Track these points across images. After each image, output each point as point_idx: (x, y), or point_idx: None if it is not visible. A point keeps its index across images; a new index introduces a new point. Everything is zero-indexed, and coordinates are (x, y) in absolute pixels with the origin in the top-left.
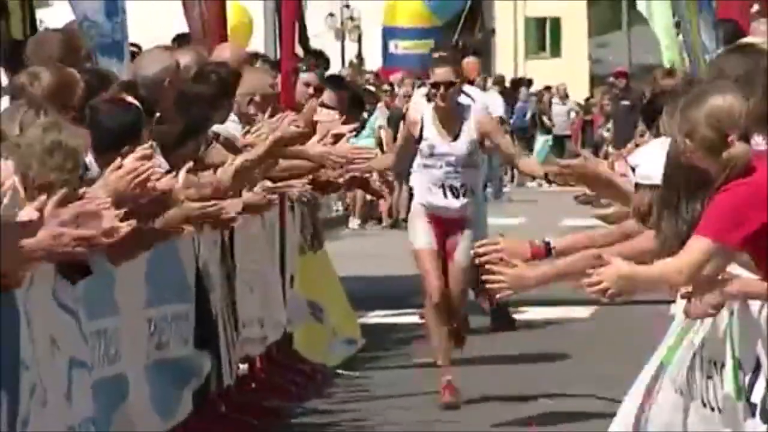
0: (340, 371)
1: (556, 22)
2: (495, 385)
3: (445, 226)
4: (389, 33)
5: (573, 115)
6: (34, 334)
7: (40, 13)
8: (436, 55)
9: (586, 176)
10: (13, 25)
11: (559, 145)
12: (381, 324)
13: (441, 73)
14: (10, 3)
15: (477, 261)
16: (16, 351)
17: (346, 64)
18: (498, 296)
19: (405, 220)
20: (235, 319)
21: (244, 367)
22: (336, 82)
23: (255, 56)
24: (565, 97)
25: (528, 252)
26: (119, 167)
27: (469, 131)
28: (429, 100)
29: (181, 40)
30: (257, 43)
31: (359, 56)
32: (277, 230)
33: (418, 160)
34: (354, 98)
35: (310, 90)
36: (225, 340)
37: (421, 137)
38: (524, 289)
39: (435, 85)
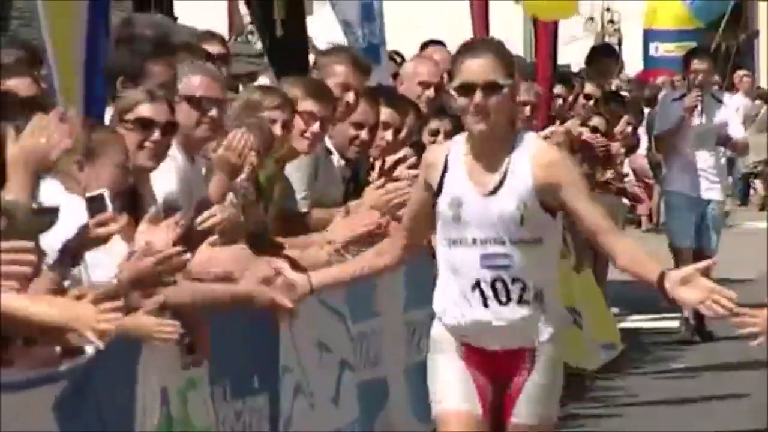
0: (599, 376)
1: None
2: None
3: (493, 362)
4: (650, 35)
5: None
6: (297, 338)
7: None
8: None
9: None
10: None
11: None
12: (641, 329)
13: (475, 67)
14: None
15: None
16: (275, 355)
17: None
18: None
19: (664, 224)
20: None
21: None
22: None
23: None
24: None
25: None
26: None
27: (518, 179)
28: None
29: (432, 46)
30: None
31: (619, 59)
32: None
33: (438, 237)
34: (612, 95)
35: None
36: None
37: (440, 189)
38: None
39: (465, 89)
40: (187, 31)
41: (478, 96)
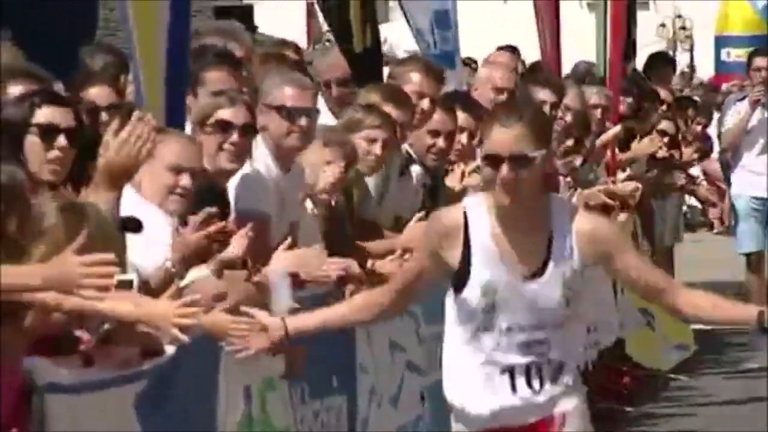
0: (672, 376)
1: None
2: None
3: None
4: (722, 41)
5: None
6: (373, 339)
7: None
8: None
9: None
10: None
11: None
12: (713, 330)
13: (504, 137)
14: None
15: None
16: (351, 355)
17: (677, 73)
18: None
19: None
20: None
21: None
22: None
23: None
24: None
25: None
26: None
27: (563, 259)
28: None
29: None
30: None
31: (691, 65)
32: None
33: (453, 322)
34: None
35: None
36: None
37: (464, 273)
38: None
39: (491, 160)
40: (262, 39)
41: (504, 170)
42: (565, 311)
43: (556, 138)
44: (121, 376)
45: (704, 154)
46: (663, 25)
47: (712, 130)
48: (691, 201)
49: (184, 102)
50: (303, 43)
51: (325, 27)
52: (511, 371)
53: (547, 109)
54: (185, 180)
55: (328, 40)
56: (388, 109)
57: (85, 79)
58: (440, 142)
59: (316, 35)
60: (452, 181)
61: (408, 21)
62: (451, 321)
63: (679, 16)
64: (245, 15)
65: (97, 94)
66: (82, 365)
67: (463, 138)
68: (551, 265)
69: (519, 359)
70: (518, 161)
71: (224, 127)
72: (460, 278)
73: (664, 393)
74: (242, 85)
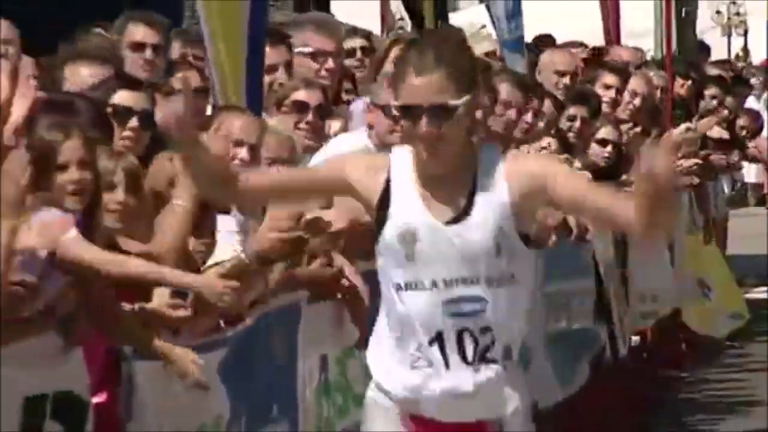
0: (726, 343)
1: None
2: None
3: None
4: None
5: None
6: None
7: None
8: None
9: None
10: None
11: None
12: (766, 300)
13: (420, 87)
14: (425, 4)
15: None
16: None
17: (732, 57)
18: None
19: None
20: (626, 293)
21: (636, 338)
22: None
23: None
24: None
25: None
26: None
27: (490, 198)
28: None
29: (544, 41)
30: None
31: (745, 48)
32: None
33: (381, 277)
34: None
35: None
36: (617, 314)
37: (383, 215)
38: None
39: (406, 111)
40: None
41: (424, 123)
42: (497, 261)
43: (624, 122)
44: (204, 344)
45: (755, 132)
46: (718, 12)
47: (761, 108)
48: (744, 178)
49: (262, 85)
50: (377, 30)
51: (398, 16)
52: (440, 339)
53: (612, 93)
54: (244, 153)
55: (401, 28)
56: None
57: (170, 64)
58: (511, 114)
59: (389, 23)
60: None
61: (488, 9)
62: (381, 281)
63: (734, 3)
64: (323, 2)
65: (188, 77)
66: (170, 334)
67: (528, 117)
68: (477, 206)
69: (449, 323)
70: (439, 113)
71: (300, 107)
72: (378, 219)
73: (717, 359)
74: (292, 58)
